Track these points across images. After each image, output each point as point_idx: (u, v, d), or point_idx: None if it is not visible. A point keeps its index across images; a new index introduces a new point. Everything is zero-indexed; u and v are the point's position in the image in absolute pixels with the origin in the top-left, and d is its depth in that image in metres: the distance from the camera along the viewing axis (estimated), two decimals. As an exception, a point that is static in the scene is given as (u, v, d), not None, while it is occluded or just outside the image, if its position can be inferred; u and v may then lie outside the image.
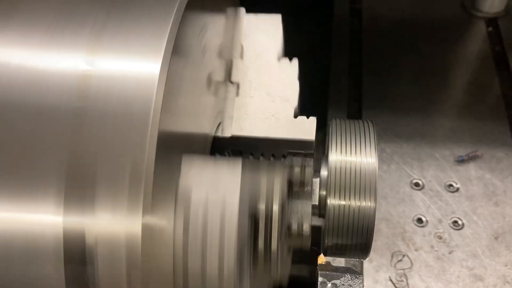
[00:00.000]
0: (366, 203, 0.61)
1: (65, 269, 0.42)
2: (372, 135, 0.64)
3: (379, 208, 1.08)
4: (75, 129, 0.44)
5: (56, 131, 0.44)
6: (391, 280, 0.99)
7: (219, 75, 0.67)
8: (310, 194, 0.61)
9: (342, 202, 0.62)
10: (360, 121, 0.66)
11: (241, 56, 0.72)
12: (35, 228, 0.43)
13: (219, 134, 0.67)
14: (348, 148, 0.63)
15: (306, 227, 0.59)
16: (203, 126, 0.62)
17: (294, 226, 0.60)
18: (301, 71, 0.74)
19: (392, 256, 1.02)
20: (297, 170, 0.60)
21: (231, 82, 0.71)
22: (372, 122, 0.66)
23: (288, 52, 0.78)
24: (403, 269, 1.00)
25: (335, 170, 0.63)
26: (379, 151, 1.25)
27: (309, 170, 0.61)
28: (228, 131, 0.67)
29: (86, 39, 0.47)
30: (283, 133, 0.66)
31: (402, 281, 0.99)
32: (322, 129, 1.40)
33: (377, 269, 1.01)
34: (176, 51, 0.47)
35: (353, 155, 0.63)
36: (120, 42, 0.47)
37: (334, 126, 0.65)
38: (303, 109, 0.76)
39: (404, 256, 1.02)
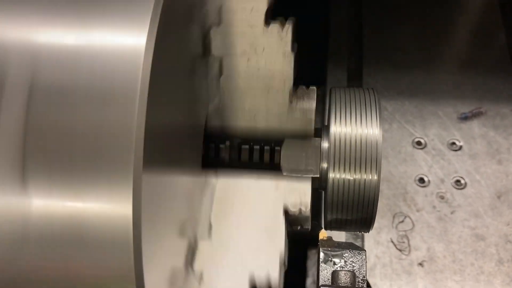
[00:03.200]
0: (369, 176, 0.59)
1: None
2: (375, 105, 0.61)
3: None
4: (57, 108, 0.40)
5: (36, 110, 0.40)
6: (392, 241, 0.98)
7: (197, 48, 0.58)
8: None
9: (344, 175, 0.59)
10: (362, 89, 0.63)
11: (219, 23, 0.60)
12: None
13: (210, 122, 0.64)
14: (350, 119, 0.60)
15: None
16: (195, 112, 0.58)
17: None
18: (297, 28, 0.67)
19: (393, 217, 1.01)
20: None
21: (210, 56, 0.61)
22: (374, 90, 0.62)
23: (285, 4, 0.71)
24: (405, 231, 0.99)
25: (337, 142, 0.60)
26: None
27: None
28: (216, 121, 0.63)
29: (66, 12, 0.43)
30: (279, 121, 0.63)
31: (403, 242, 0.98)
32: (321, 87, 1.35)
33: (378, 230, 1.00)
34: (163, 22, 0.42)
35: (355, 126, 0.60)
36: (103, 13, 0.43)
37: (335, 96, 0.62)
38: (301, 66, 0.72)
39: (405, 217, 1.01)
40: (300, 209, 0.61)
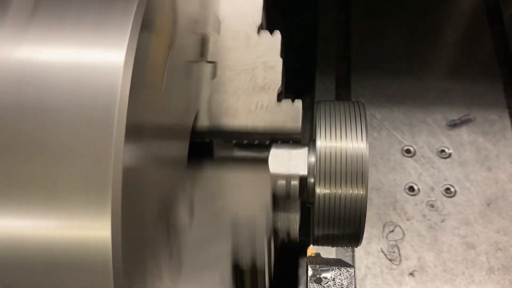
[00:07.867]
0: (356, 191, 0.58)
1: None
2: (362, 118, 0.60)
3: (370, 177, 1.05)
4: (26, 128, 0.38)
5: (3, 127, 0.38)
6: (383, 251, 0.98)
7: (192, 54, 0.60)
8: (297, 207, 0.59)
9: (331, 190, 0.59)
10: (349, 102, 0.62)
11: (218, 31, 0.66)
12: None
13: (197, 123, 0.63)
14: (337, 133, 0.59)
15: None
16: (180, 114, 0.57)
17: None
18: (285, 38, 0.68)
19: (383, 227, 1.00)
20: (281, 183, 0.57)
21: (207, 62, 0.65)
22: (362, 104, 0.62)
23: (273, 11, 0.72)
24: (395, 240, 0.99)
25: (323, 156, 0.59)
26: (369, 117, 1.21)
27: (294, 184, 0.58)
28: (206, 121, 0.62)
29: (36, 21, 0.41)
30: (266, 122, 0.62)
31: (394, 252, 0.97)
32: (309, 94, 1.33)
33: (368, 240, 0.99)
34: (144, 28, 0.40)
35: (342, 140, 0.59)
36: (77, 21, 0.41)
37: (321, 109, 0.61)
38: (289, 74, 0.71)
39: (395, 226, 1.00)
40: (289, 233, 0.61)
